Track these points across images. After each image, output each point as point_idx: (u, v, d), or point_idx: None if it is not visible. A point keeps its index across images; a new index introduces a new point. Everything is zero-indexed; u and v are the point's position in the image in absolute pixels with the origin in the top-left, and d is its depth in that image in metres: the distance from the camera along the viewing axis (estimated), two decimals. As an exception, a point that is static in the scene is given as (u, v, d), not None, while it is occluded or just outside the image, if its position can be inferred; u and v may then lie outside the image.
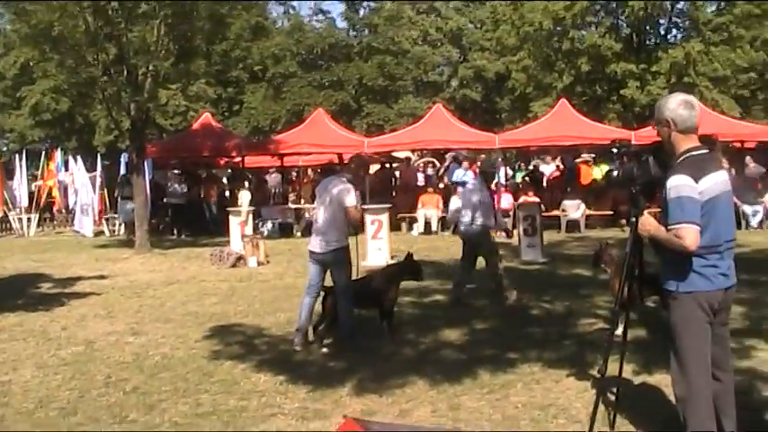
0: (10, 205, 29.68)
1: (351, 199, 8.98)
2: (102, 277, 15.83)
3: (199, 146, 27.23)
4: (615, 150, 5.68)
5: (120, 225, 27.83)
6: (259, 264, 17.20)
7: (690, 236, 4.78)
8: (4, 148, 47.48)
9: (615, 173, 5.68)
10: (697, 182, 4.84)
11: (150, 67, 20.44)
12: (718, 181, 4.95)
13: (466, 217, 11.79)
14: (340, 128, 29.09)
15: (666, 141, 5.13)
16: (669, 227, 4.89)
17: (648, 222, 5.13)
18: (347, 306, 9.15)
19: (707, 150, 5.08)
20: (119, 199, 26.57)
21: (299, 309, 9.42)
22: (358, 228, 9.80)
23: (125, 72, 20.45)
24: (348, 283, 9.18)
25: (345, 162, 10.54)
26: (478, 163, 27.36)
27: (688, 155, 5.00)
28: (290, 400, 7.21)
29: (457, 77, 53.27)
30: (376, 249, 17.08)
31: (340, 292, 9.16)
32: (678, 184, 4.85)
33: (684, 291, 4.95)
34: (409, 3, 52.22)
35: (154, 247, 20.76)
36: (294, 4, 58.00)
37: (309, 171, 32.80)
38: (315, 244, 9.24)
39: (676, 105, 5.05)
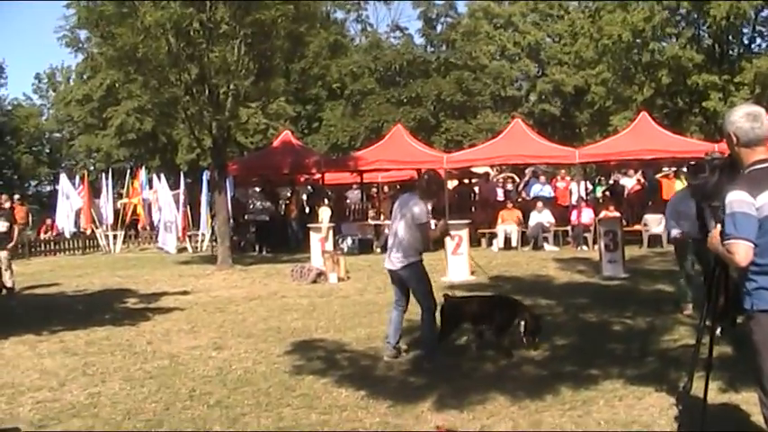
0: (97, 223, 30.44)
1: (419, 215, 9.07)
2: (185, 293, 16.13)
3: (279, 163, 27.55)
4: (706, 162, 5.57)
5: (201, 242, 28.31)
6: (339, 280, 17.30)
7: (740, 252, 4.66)
8: (92, 168, 48.75)
9: (699, 184, 5.60)
10: (755, 197, 4.70)
11: (231, 86, 20.78)
12: None
13: None
14: (419, 144, 29.13)
15: (734, 155, 5.02)
16: (723, 243, 4.79)
17: (715, 237, 5.01)
18: (427, 319, 9.16)
19: None
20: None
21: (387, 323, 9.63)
22: (429, 243, 9.82)
23: (206, 91, 20.81)
24: (427, 297, 9.18)
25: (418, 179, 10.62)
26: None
27: (751, 169, 4.86)
28: (371, 414, 7.25)
29: (535, 92, 53.07)
30: (455, 265, 17.05)
31: (422, 308, 9.19)
32: (733, 200, 4.73)
33: (759, 309, 4.80)
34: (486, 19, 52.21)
35: (235, 264, 21.04)
36: (372, 21, 58.04)
37: (386, 188, 32.90)
38: (388, 260, 9.40)
39: (738, 118, 4.91)
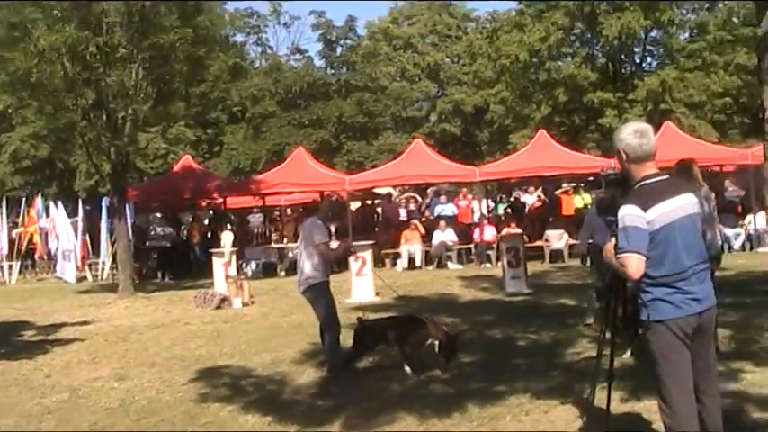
0: (-9, 253, 29.50)
1: (318, 236, 9.21)
2: (85, 323, 15.70)
3: (180, 188, 27.20)
4: (602, 178, 5.70)
5: (102, 270, 27.70)
6: (244, 304, 17.09)
7: (632, 264, 4.83)
8: (-16, 196, 47.25)
9: (596, 200, 5.73)
10: (645, 211, 4.86)
11: (129, 111, 20.44)
12: (674, 207, 4.96)
13: None
14: (321, 166, 29.10)
15: (625, 171, 5.18)
16: (617, 255, 4.95)
17: (609, 250, 5.15)
18: (330, 341, 9.22)
19: (664, 177, 5.10)
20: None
21: None
22: (330, 264, 9.82)
23: (104, 116, 20.44)
24: (329, 318, 9.25)
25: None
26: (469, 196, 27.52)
27: (641, 183, 5.04)
28: (279, 440, 7.17)
29: (436, 112, 53.60)
30: (359, 286, 17.03)
31: (323, 327, 9.30)
32: (624, 214, 4.90)
33: (654, 319, 4.96)
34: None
35: (137, 291, 20.65)
36: (272, 44, 57.98)
37: (289, 210, 32.75)
38: (298, 284, 9.51)
39: (626, 135, 5.08)
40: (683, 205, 5.04)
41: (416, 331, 9.45)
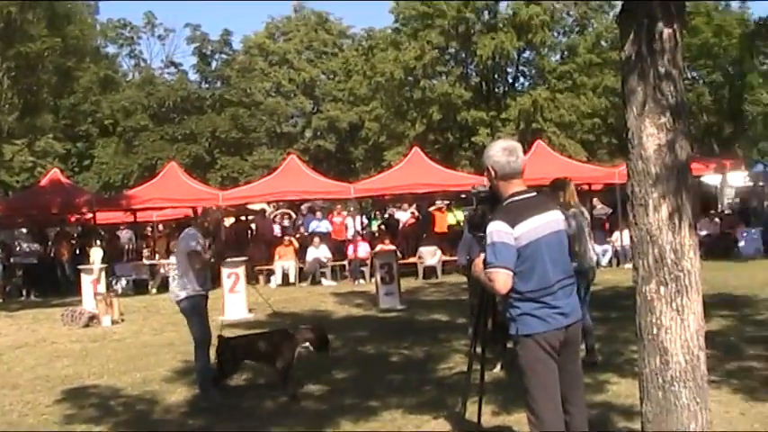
0: None
1: (190, 244, 9.03)
2: (-57, 343, 15.07)
3: (47, 203, 26.38)
4: (473, 195, 5.78)
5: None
6: (113, 322, 16.67)
7: (499, 279, 4.93)
8: None
9: (467, 217, 5.83)
10: (513, 227, 4.95)
11: (-6, 123, 19.82)
12: (541, 224, 5.06)
13: None
14: (194, 181, 28.74)
15: (494, 187, 5.28)
16: (486, 270, 5.04)
17: (478, 265, 5.24)
18: (201, 358, 9.07)
19: (532, 194, 5.20)
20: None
21: None
22: (204, 273, 9.57)
23: (-34, 128, 19.77)
24: (200, 334, 9.08)
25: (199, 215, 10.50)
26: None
27: (509, 200, 5.13)
28: (148, 461, 7.01)
29: (311, 128, 53.65)
30: (233, 303, 16.85)
31: (195, 344, 9.12)
32: (492, 230, 4.99)
33: (523, 333, 5.05)
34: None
35: (0, 310, 19.91)
36: (145, 56, 56.98)
37: (161, 226, 32.23)
38: (172, 296, 9.37)
39: (495, 152, 5.16)
40: (550, 222, 5.15)
41: (283, 343, 9.29)
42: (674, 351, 4.86)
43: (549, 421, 5.05)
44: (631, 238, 5.04)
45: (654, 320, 4.91)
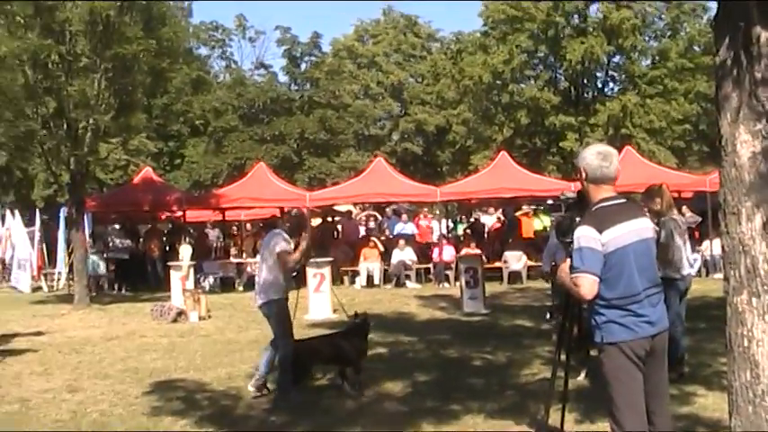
0: (-56, 262, 29.13)
1: (280, 245, 9.13)
2: (38, 333, 15.52)
3: (139, 200, 27.00)
4: (561, 202, 5.74)
5: (58, 280, 27.44)
6: (200, 318, 17.00)
7: (585, 285, 4.87)
8: (-59, 204, 46.62)
9: (555, 223, 5.79)
10: (601, 233, 4.91)
11: (90, 121, 20.24)
12: (630, 230, 5.01)
13: None
14: (281, 182, 29.05)
15: (584, 190, 5.24)
16: (571, 275, 5.00)
17: (563, 270, 5.20)
18: (282, 358, 9.14)
19: (621, 201, 5.15)
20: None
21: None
22: (292, 278, 9.67)
23: (65, 125, 20.25)
24: (284, 337, 9.17)
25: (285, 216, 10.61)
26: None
27: (598, 206, 5.08)
28: (231, 455, 7.13)
29: (398, 131, 53.73)
30: (318, 303, 17.01)
31: (278, 345, 9.22)
32: (580, 235, 4.94)
33: (607, 341, 4.98)
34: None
35: (93, 303, 20.42)
36: (236, 58, 57.83)
37: (249, 225, 32.65)
38: (256, 297, 9.38)
39: (588, 155, 5.14)
40: (639, 229, 5.09)
41: (352, 345, 9.37)
42: (765, 365, 4.71)
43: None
44: (723, 247, 4.92)
45: (745, 333, 4.78)
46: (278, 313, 9.18)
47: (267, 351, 9.48)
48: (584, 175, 5.15)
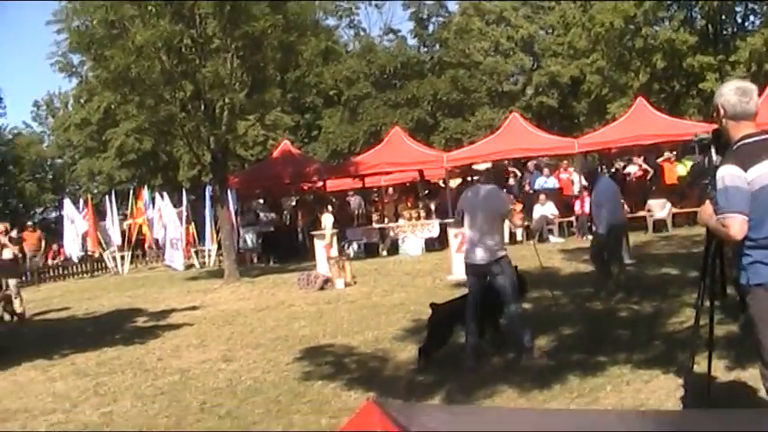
0: (104, 245, 30.54)
1: (507, 204, 9.11)
2: (193, 308, 16.19)
3: (280, 173, 27.62)
4: (695, 144, 5.58)
5: (208, 257, 28.43)
6: (346, 285, 17.33)
7: (734, 225, 4.68)
8: (95, 191, 48.79)
9: (693, 168, 5.64)
10: (746, 170, 4.71)
11: (226, 100, 20.77)
12: None
13: None
14: (418, 145, 29.19)
15: (722, 128, 5.06)
16: (717, 216, 4.81)
17: (705, 211, 5.04)
18: (519, 311, 8.93)
19: (764, 137, 4.90)
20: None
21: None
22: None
23: (202, 107, 20.87)
24: (515, 289, 8.91)
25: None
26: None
27: (740, 143, 4.87)
28: (381, 415, 7.26)
29: (531, 85, 52.94)
30: (460, 263, 17.03)
31: (507, 300, 8.86)
32: (725, 174, 4.75)
33: (755, 283, 4.80)
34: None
35: (242, 276, 21.06)
36: (364, 25, 58.03)
37: (390, 190, 32.93)
38: (474, 256, 8.91)
39: (727, 91, 4.95)
40: None
41: (489, 304, 9.11)
42: None
43: (787, 376, 4.85)
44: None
45: None
46: (508, 268, 8.83)
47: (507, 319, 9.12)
48: (722, 112, 4.95)
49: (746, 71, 32.96)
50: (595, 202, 13.30)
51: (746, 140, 4.88)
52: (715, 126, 5.34)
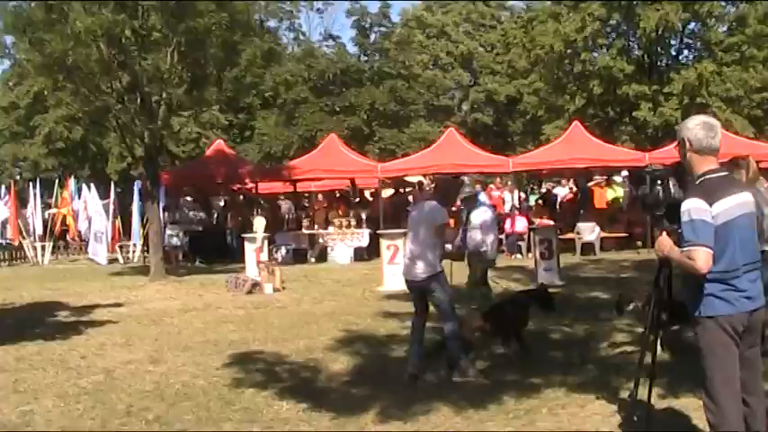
0: (24, 234, 29.74)
1: (441, 216, 8.83)
2: (118, 305, 15.79)
3: (212, 172, 27.28)
4: (646, 174, 5.63)
5: (133, 252, 27.91)
6: (275, 290, 17.14)
7: (701, 258, 4.77)
8: (18, 177, 47.61)
9: (641, 196, 5.66)
10: (711, 205, 4.82)
11: (163, 95, 20.45)
12: (735, 204, 4.92)
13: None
14: (352, 153, 29.10)
15: (684, 162, 5.12)
16: (682, 249, 4.90)
17: (663, 243, 5.13)
18: (454, 329, 8.82)
19: (725, 173, 5.07)
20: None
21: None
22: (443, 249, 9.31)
23: (139, 100, 20.47)
24: (450, 306, 8.86)
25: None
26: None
27: (704, 177, 4.99)
28: (314, 427, 7.16)
29: (468, 101, 53.42)
30: (391, 275, 16.98)
31: (443, 317, 8.88)
32: (691, 207, 4.84)
33: (706, 315, 4.92)
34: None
35: (169, 275, 20.70)
36: (305, 29, 57.78)
37: (320, 197, 32.81)
38: (408, 271, 8.89)
39: (693, 126, 5.05)
40: (743, 203, 5.01)
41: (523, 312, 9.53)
42: None
43: (728, 408, 4.90)
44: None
45: None
46: (443, 285, 8.77)
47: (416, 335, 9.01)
48: (688, 145, 5.05)
49: (679, 103, 33.69)
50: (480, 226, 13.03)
51: (710, 175, 5.00)
52: (665, 158, 5.38)
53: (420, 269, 8.68)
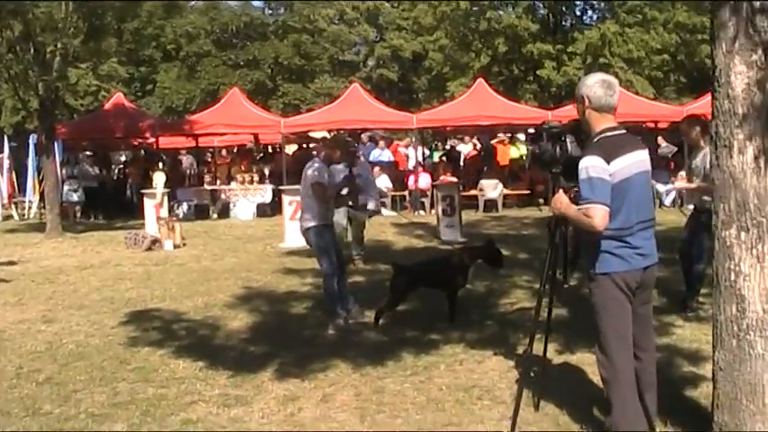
0: None
1: (315, 175, 9.18)
2: (11, 263, 15.31)
3: (111, 126, 26.59)
4: (543, 131, 5.61)
5: (29, 209, 27.13)
6: (175, 247, 16.88)
7: (598, 215, 4.79)
8: None
9: (538, 153, 5.64)
10: (608, 163, 4.83)
11: (59, 45, 19.77)
12: (632, 162, 4.95)
13: None
14: (256, 108, 28.75)
15: (582, 119, 5.15)
16: (579, 206, 4.92)
17: (560, 200, 5.14)
18: (328, 287, 9.22)
19: (623, 131, 5.09)
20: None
21: None
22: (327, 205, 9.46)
23: (32, 50, 19.76)
24: (323, 262, 9.26)
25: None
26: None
27: (602, 135, 5.01)
28: (211, 386, 7.04)
29: (373, 57, 53.18)
30: (293, 231, 16.87)
31: (323, 274, 9.37)
32: (589, 165, 4.84)
33: (601, 272, 4.98)
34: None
35: (66, 231, 20.19)
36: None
37: (223, 152, 32.39)
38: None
39: (593, 83, 5.06)
40: (639, 161, 5.04)
41: (459, 267, 9.43)
42: (751, 299, 4.66)
43: (620, 363, 4.99)
44: (712, 180, 4.84)
45: (732, 267, 4.71)
46: (314, 240, 9.27)
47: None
48: (587, 102, 5.05)
49: (582, 62, 34.19)
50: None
51: (608, 133, 5.02)
52: (568, 116, 5.39)
53: (303, 221, 9.29)
